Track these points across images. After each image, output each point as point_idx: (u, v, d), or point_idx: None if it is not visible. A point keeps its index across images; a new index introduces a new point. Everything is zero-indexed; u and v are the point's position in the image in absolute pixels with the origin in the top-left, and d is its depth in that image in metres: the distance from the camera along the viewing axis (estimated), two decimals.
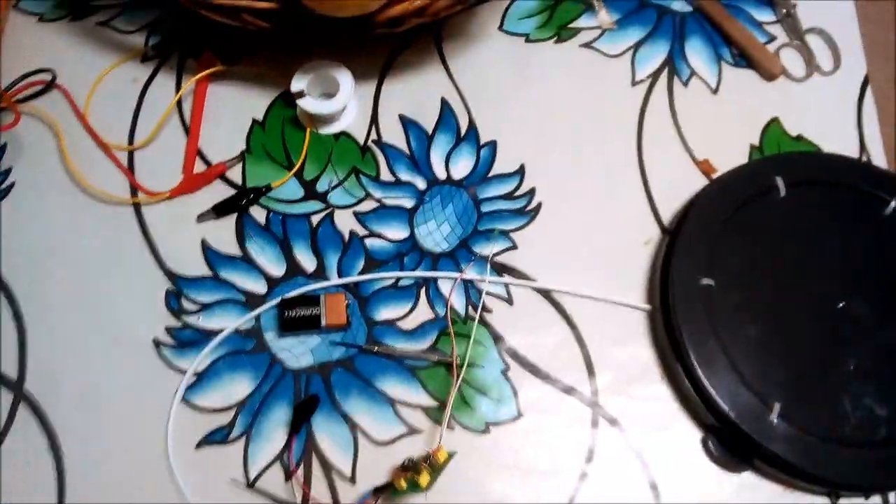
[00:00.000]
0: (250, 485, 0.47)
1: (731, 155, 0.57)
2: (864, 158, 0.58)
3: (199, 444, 0.48)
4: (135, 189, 0.54)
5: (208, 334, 0.51)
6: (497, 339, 0.51)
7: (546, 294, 0.53)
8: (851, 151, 0.58)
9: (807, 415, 0.48)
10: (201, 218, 0.54)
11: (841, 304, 0.51)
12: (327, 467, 0.48)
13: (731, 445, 0.49)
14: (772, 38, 0.61)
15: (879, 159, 0.58)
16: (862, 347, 0.50)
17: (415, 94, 0.58)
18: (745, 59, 0.60)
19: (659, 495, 0.48)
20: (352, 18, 0.49)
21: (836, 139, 0.58)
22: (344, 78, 0.55)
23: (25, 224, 0.54)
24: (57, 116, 0.57)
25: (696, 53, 0.61)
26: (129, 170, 0.55)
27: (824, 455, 0.47)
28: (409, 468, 0.45)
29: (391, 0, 0.49)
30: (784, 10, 0.62)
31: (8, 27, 0.60)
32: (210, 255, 0.53)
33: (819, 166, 0.55)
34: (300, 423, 0.48)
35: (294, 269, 0.53)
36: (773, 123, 0.58)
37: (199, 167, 0.55)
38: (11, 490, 0.47)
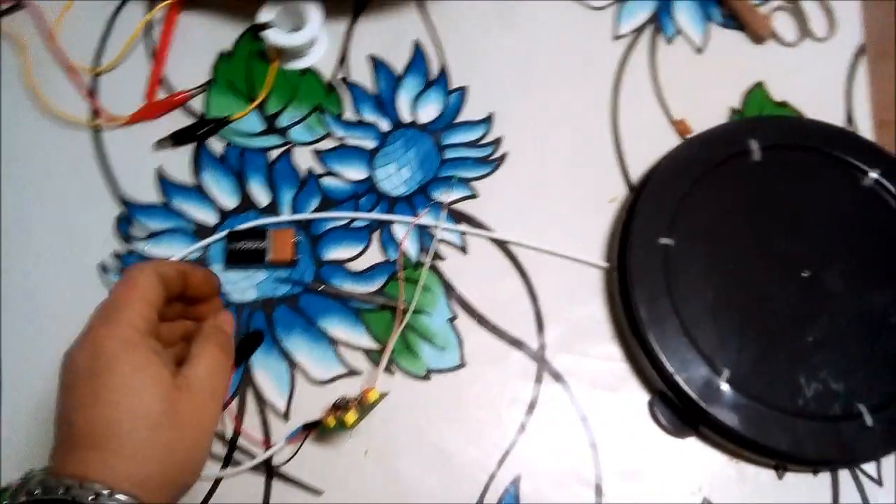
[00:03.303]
0: None
1: (709, 117, 0.55)
2: (850, 129, 0.55)
3: None
4: (95, 112, 0.54)
5: None
6: (447, 287, 0.50)
7: (502, 245, 0.51)
8: (838, 121, 0.55)
9: (758, 383, 0.46)
10: (159, 145, 0.53)
11: (806, 274, 0.49)
12: (262, 402, 0.47)
13: (678, 410, 0.47)
14: (766, 0, 0.59)
15: (866, 132, 0.55)
16: (825, 320, 0.48)
17: (388, 34, 0.57)
18: (734, 19, 0.58)
19: (597, 454, 0.47)
20: None
21: (823, 108, 0.55)
22: (313, 11, 0.53)
23: None
24: (25, 34, 0.56)
25: (685, 11, 0.58)
26: (91, 93, 0.54)
27: (772, 425, 0.45)
28: (340, 407, 0.44)
29: None
30: None
31: None
32: (164, 183, 0.52)
33: (798, 131, 0.53)
34: (242, 358, 0.48)
35: (247, 203, 0.52)
36: (758, 88, 0.56)
37: (162, 96, 0.54)
38: None
